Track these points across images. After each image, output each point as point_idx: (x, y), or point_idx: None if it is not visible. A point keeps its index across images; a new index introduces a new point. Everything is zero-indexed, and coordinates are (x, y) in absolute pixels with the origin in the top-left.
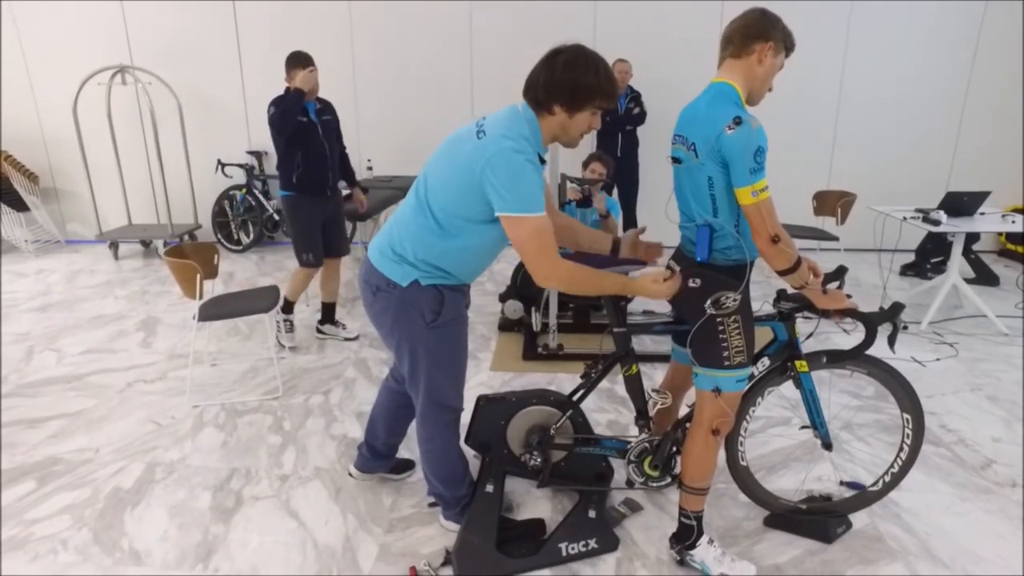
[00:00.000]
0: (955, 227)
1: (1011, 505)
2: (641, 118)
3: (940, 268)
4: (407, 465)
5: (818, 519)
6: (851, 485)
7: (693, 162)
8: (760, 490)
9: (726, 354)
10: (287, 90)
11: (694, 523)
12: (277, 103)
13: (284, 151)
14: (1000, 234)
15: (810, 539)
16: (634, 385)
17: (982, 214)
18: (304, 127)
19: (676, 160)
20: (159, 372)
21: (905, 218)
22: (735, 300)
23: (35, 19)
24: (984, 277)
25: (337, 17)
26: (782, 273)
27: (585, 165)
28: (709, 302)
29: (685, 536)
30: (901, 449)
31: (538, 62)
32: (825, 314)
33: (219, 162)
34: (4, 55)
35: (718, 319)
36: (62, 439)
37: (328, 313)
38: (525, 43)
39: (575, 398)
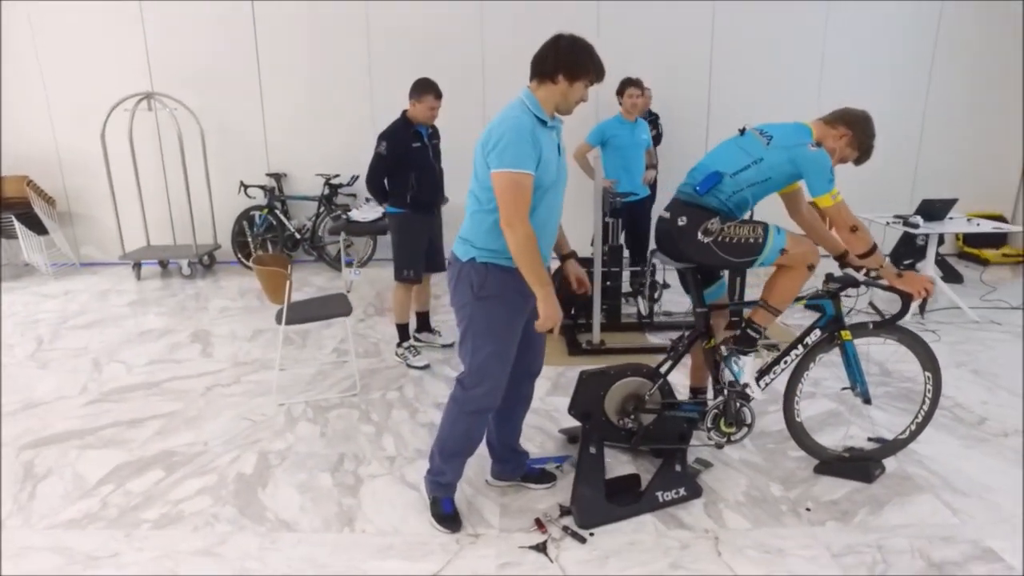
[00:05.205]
0: (931, 229)
1: (1006, 450)
2: (658, 139)
3: (911, 269)
4: (546, 477)
5: (859, 464)
6: (878, 440)
7: (758, 143)
8: (812, 442)
9: (751, 240)
10: (403, 113)
11: (757, 336)
12: (387, 138)
13: (400, 173)
14: (958, 238)
15: (854, 480)
16: (711, 356)
17: (951, 219)
18: (419, 151)
19: (741, 132)
20: (231, 377)
21: (888, 223)
22: (716, 222)
23: (55, 47)
24: (950, 276)
25: (357, 50)
26: (861, 256)
27: (621, 93)
28: (699, 233)
29: (746, 343)
30: (923, 402)
31: (544, 43)
32: (893, 290)
33: (242, 184)
34: (24, 82)
35: (718, 238)
36: (168, 435)
37: (423, 322)
38: (531, 46)
39: (662, 370)
